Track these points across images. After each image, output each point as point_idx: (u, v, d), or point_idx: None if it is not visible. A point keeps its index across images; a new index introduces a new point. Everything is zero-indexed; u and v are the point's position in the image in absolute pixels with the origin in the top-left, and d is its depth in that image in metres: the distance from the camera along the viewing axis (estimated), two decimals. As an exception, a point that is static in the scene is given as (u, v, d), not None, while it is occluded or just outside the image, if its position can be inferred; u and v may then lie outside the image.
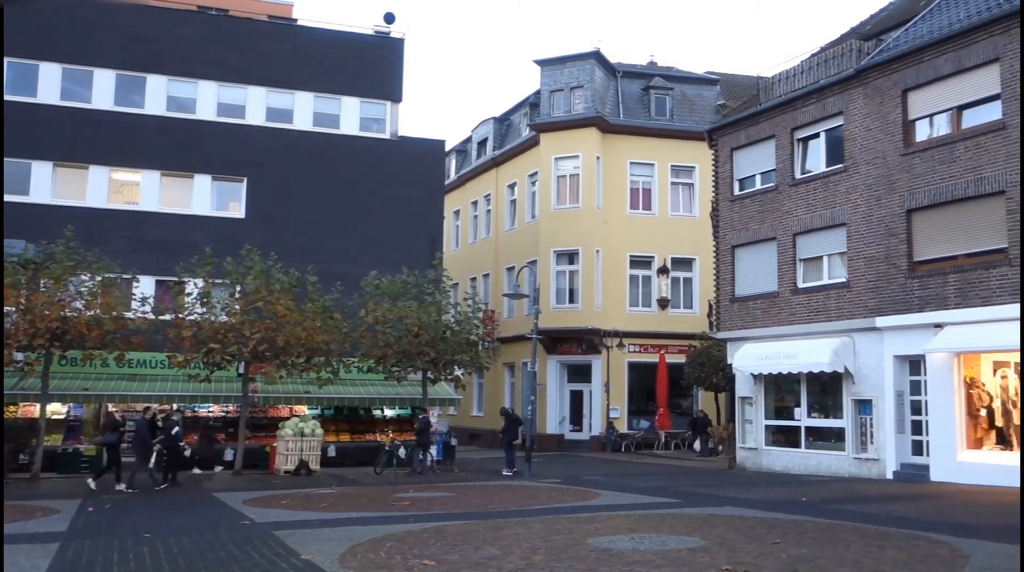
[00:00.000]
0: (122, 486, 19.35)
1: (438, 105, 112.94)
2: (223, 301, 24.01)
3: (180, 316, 23.69)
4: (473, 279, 41.60)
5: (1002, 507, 14.58)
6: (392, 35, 33.23)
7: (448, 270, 29.87)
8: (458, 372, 27.40)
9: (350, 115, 32.07)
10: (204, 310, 23.59)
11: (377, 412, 29.72)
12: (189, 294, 24.16)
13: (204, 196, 30.06)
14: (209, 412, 27.23)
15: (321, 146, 31.26)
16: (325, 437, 25.41)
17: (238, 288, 24.35)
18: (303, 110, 31.59)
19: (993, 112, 18.88)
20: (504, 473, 23.59)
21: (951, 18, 20.43)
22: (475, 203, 43.24)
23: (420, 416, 25.33)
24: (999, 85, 18.66)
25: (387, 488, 19.71)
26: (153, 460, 20.86)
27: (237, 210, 30.43)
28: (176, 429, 21.26)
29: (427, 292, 26.84)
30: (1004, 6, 18.74)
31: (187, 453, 21.20)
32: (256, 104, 31.08)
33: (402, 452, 24.46)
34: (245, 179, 30.45)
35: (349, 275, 26.65)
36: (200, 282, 24.12)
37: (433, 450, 25.50)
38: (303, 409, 27.55)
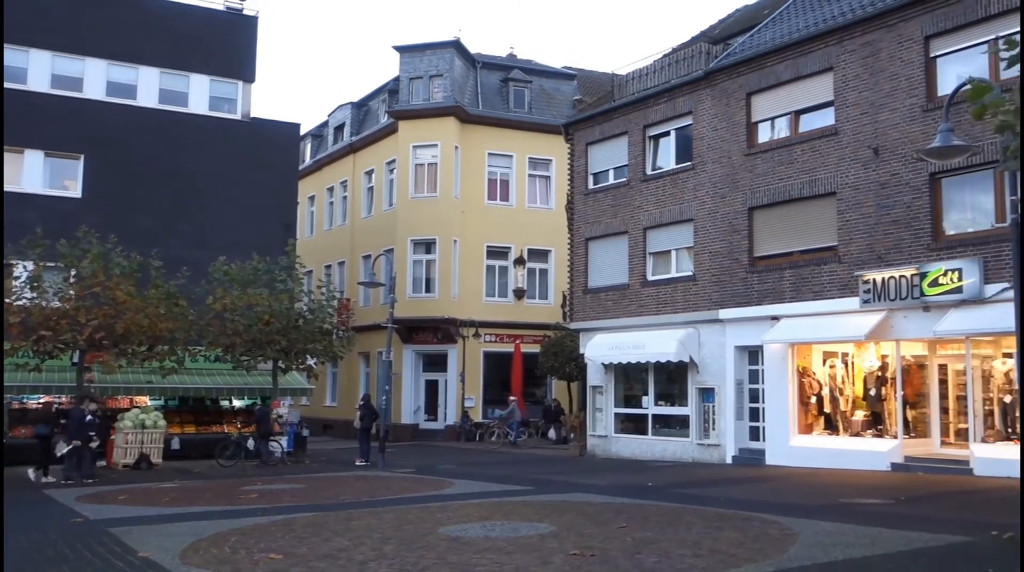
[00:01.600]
0: (51, 478, 19.22)
1: (293, 87, 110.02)
2: (56, 286, 22.56)
3: (7, 301, 22.07)
4: (328, 267, 40.84)
5: (828, 487, 15.61)
6: (245, 12, 32.08)
7: (302, 257, 29.21)
8: (311, 361, 26.85)
9: (199, 93, 30.77)
10: (34, 295, 22.08)
11: (225, 403, 28.78)
12: (17, 278, 22.55)
13: (36, 173, 28.15)
14: (39, 403, 25.55)
15: (167, 125, 29.83)
16: (168, 429, 24.35)
17: (73, 272, 22.95)
18: (148, 86, 30.05)
19: (827, 118, 20.10)
20: (357, 463, 23.35)
21: (791, 27, 21.60)
22: (331, 189, 42.41)
23: (257, 406, 24.92)
24: (832, 92, 19.88)
25: (234, 481, 19.11)
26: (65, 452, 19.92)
27: (73, 189, 28.69)
28: (89, 418, 20.23)
29: (279, 279, 26.16)
30: (839, 19, 19.97)
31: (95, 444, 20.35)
32: (95, 77, 29.32)
33: (251, 444, 23.79)
34: (82, 156, 28.70)
35: (196, 260, 25.60)
36: (30, 265, 22.56)
37: (283, 441, 24.95)
38: (144, 400, 26.36)
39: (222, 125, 30.89)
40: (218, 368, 27.01)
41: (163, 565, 8.93)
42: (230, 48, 31.45)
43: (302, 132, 38.24)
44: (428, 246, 34.68)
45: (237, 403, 29.06)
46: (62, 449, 19.84)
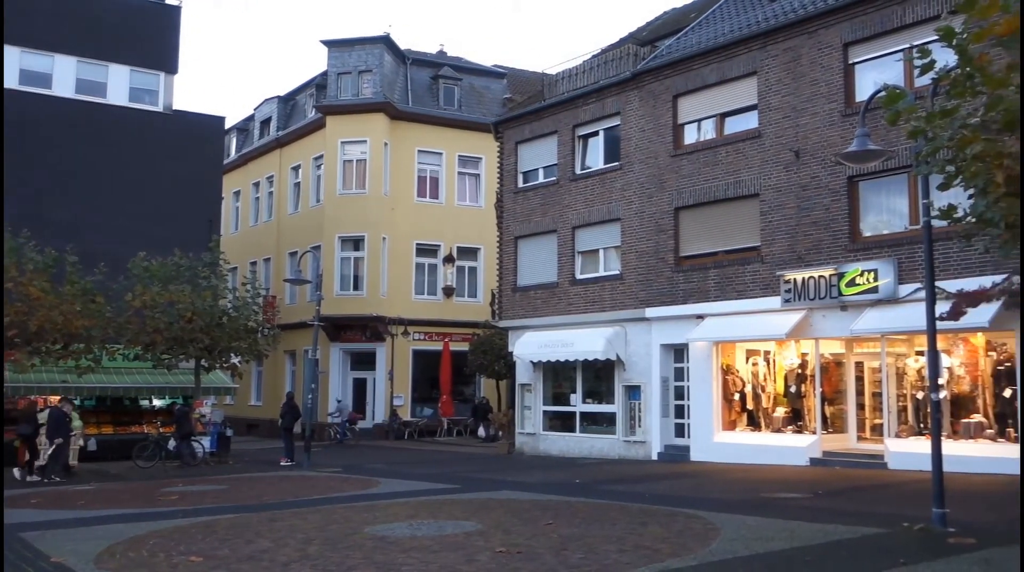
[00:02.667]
0: (35, 477, 19.74)
1: (218, 80, 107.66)
2: (-36, 281, 21.66)
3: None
4: (253, 263, 40.09)
5: (750, 482, 15.95)
6: (167, 1, 31.28)
7: (226, 253, 28.62)
8: (235, 360, 26.36)
9: (119, 84, 29.93)
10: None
11: (144, 402, 28.07)
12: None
13: (-57, 163, 26.95)
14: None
15: (85, 115, 28.92)
16: (85, 430, 23.58)
17: (-17, 267, 22.05)
18: (64, 75, 29.09)
19: (751, 121, 20.52)
20: (282, 464, 23.01)
21: (717, 31, 21.99)
22: (257, 184, 41.62)
23: (177, 406, 24.44)
24: (756, 96, 20.30)
25: (153, 483, 18.66)
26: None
27: (-16, 181, 27.55)
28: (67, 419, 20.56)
29: (202, 275, 25.60)
30: (762, 24, 20.41)
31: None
32: (8, 65, 28.18)
33: (171, 444, 23.25)
34: (-7, 147, 27.58)
35: (115, 256, 24.87)
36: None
37: (206, 441, 24.44)
38: (59, 400, 25.46)
39: (143, 117, 30.09)
40: (137, 367, 26.30)
41: (77, 570, 8.64)
42: (152, 38, 30.64)
43: (227, 126, 37.45)
44: (356, 243, 34.32)
45: (157, 402, 28.39)
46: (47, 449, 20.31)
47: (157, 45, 30.71)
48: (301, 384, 32.85)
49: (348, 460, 23.87)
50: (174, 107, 31.10)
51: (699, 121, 21.80)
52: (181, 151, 30.06)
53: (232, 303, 26.48)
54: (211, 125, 32.18)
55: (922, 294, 11.41)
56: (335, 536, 10.37)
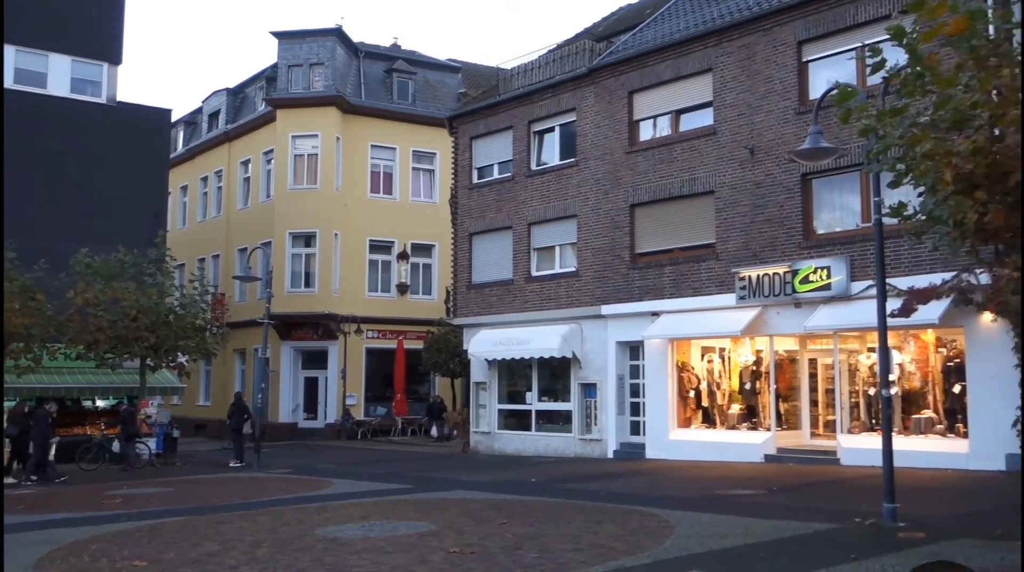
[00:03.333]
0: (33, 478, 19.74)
1: (165, 72, 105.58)
2: None
3: None
4: (202, 260, 39.34)
5: (705, 479, 15.99)
6: (112, -10, 30.49)
7: (173, 250, 28.01)
8: (182, 359, 25.82)
9: (59, 74, 29.02)
10: None
11: (88, 403, 27.37)
12: None
13: None
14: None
15: (24, 107, 27.93)
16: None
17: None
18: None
19: (706, 118, 20.57)
20: (231, 465, 22.59)
21: (672, 28, 22.02)
22: (205, 179, 40.82)
23: (123, 406, 23.94)
24: (711, 93, 20.36)
25: (97, 485, 18.16)
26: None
27: (-85, 174, 26.58)
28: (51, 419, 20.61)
29: (147, 273, 25.04)
30: (717, 21, 20.47)
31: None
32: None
33: (116, 446, 22.69)
34: (-75, 139, 26.63)
35: (56, 252, 24.15)
36: None
37: (152, 443, 23.91)
38: (-3, 401, 24.77)
39: (85, 109, 29.25)
40: (80, 366, 25.61)
41: (11, 579, 8.30)
42: (94, 27, 29.79)
43: (174, 118, 36.66)
44: (308, 239, 33.83)
45: (101, 403, 27.72)
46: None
47: (100, 34, 29.86)
48: (251, 383, 32.31)
49: (300, 460, 23.50)
50: (118, 99, 30.32)
51: (654, 118, 21.81)
52: (125, 144, 29.31)
53: (179, 301, 25.97)
54: (157, 118, 31.46)
55: (874, 291, 11.47)
56: (285, 538, 10.13)
